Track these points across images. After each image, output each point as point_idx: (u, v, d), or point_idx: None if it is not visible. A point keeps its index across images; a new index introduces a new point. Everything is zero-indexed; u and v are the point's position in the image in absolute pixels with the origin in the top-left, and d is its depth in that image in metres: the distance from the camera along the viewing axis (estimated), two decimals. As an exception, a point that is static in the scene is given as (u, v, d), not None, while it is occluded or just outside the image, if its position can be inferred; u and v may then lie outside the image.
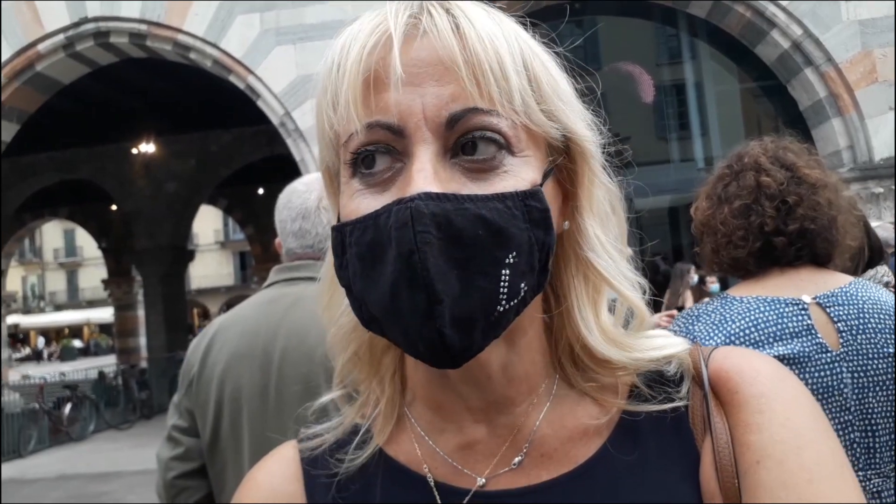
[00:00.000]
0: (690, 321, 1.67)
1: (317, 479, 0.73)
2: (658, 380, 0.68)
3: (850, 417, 1.54)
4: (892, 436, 1.55)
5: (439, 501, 0.67)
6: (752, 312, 1.60)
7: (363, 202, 0.61)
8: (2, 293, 16.56)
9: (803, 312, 1.59)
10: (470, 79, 0.58)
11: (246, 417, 1.87)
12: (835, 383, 1.54)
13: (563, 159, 0.66)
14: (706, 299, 1.81)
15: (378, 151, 0.60)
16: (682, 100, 8.80)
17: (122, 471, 10.53)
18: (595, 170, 0.67)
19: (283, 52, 7.74)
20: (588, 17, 8.63)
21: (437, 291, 0.55)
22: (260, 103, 7.89)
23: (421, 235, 0.55)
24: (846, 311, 1.60)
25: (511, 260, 0.58)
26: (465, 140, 0.59)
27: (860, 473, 1.54)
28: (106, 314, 35.85)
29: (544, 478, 0.66)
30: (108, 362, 21.86)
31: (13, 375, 18.25)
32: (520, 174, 0.60)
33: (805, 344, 1.55)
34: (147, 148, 15.70)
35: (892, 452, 1.55)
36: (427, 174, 0.57)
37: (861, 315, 1.59)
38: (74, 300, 49.26)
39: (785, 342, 1.56)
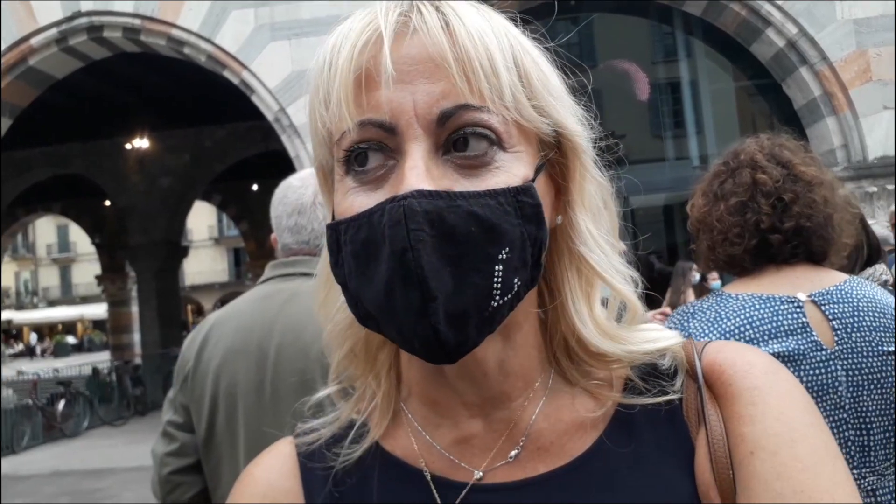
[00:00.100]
0: (686, 318, 1.67)
1: (314, 473, 0.73)
2: (652, 373, 0.69)
3: (845, 415, 1.55)
4: (887, 434, 1.56)
5: (436, 495, 0.67)
6: (748, 310, 1.60)
7: (357, 200, 0.61)
8: (-6, 289, 16.49)
9: (798, 310, 1.59)
10: (460, 76, 0.59)
11: (241, 413, 1.87)
12: (829, 381, 1.55)
13: (554, 154, 0.66)
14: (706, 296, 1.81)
15: (370, 149, 0.61)
16: (678, 98, 8.82)
17: (116, 467, 10.51)
18: (586, 165, 0.67)
19: (278, 47, 7.72)
20: (584, 15, 8.63)
21: (430, 289, 0.56)
22: (254, 99, 7.88)
23: (414, 233, 0.56)
24: (841, 309, 1.60)
25: (504, 256, 0.59)
26: (457, 136, 0.60)
27: (855, 472, 1.54)
28: (100, 310, 35.77)
29: (541, 470, 0.66)
30: (102, 358, 21.81)
31: (7, 371, 18.21)
32: (511, 170, 0.61)
33: (800, 342, 1.56)
34: (141, 143, 15.65)
35: (887, 451, 1.56)
36: (419, 172, 0.58)
37: (856, 313, 1.60)
38: (68, 296, 49.11)
39: (780, 340, 1.56)
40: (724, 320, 1.60)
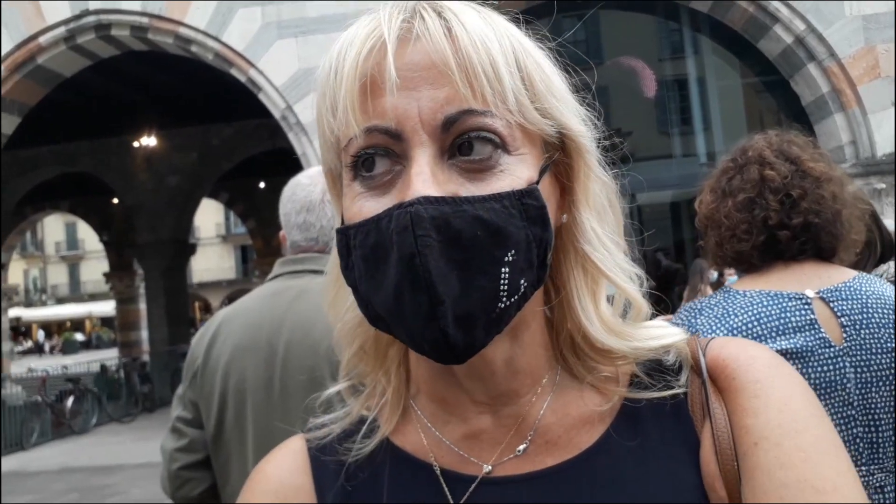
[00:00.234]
0: (693, 315, 1.67)
1: (325, 469, 0.74)
2: (657, 368, 0.70)
3: (853, 412, 1.54)
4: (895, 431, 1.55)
5: (446, 489, 0.68)
6: (755, 306, 1.60)
7: (365, 205, 0.62)
8: (3, 286, 16.57)
9: (806, 307, 1.59)
10: (463, 81, 0.60)
11: (250, 410, 1.88)
12: (838, 378, 1.54)
13: (558, 155, 0.67)
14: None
15: (377, 154, 0.62)
16: (685, 95, 8.79)
17: (124, 464, 10.56)
18: (590, 164, 0.68)
19: (285, 45, 7.72)
20: (589, 11, 8.60)
21: (438, 293, 0.57)
22: (261, 97, 7.89)
23: (421, 239, 0.57)
24: (850, 306, 1.59)
25: (510, 258, 0.60)
26: (461, 141, 0.61)
27: (863, 469, 1.54)
28: (108, 307, 35.91)
29: (549, 464, 0.67)
30: (110, 355, 21.89)
31: (17, 368, 18.31)
32: (516, 172, 0.62)
33: (808, 338, 1.55)
34: (148, 141, 15.70)
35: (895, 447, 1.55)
36: (425, 177, 0.59)
37: (865, 310, 1.59)
38: (76, 293, 49.32)
39: (788, 336, 1.56)
40: (732, 317, 1.60)
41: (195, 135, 16.23)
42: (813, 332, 1.56)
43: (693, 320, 1.65)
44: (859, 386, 1.55)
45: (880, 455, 1.54)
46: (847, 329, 1.57)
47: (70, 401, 14.01)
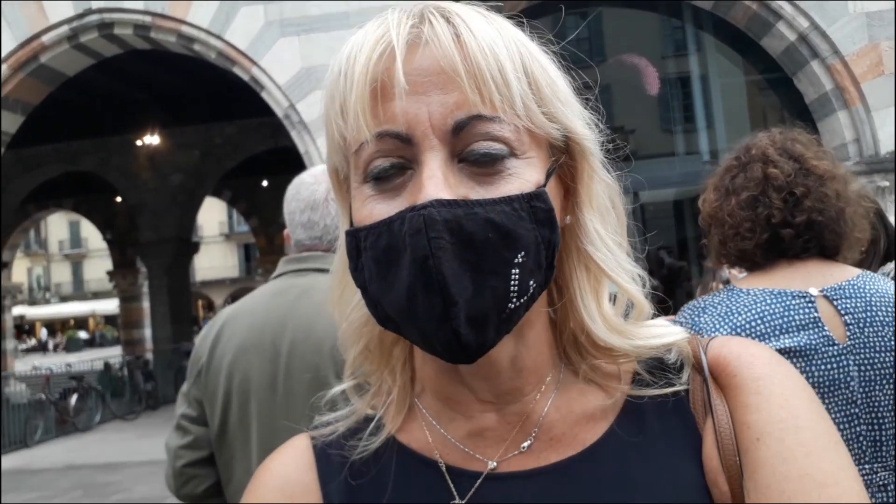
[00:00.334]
0: (697, 313, 1.67)
1: (330, 466, 0.74)
2: (658, 366, 0.71)
3: (857, 410, 1.54)
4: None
5: (451, 485, 0.69)
6: (759, 304, 1.60)
7: (376, 208, 0.63)
8: (7, 284, 16.60)
9: (810, 305, 1.59)
10: (472, 87, 0.60)
11: (254, 408, 1.88)
12: (841, 376, 1.54)
13: (563, 157, 0.68)
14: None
15: (392, 158, 0.63)
16: (688, 92, 8.77)
17: (128, 461, 10.59)
18: (594, 166, 0.69)
19: (288, 43, 7.72)
20: (592, 9, 8.59)
21: (451, 294, 0.58)
22: (264, 95, 7.89)
23: (434, 241, 0.58)
24: (853, 304, 1.59)
25: (520, 259, 0.61)
26: (471, 151, 0.62)
27: (867, 467, 1.54)
28: (111, 306, 35.99)
29: (553, 460, 0.68)
30: (114, 353, 21.96)
31: (22, 366, 18.35)
32: (524, 176, 0.63)
33: (812, 337, 1.55)
34: (151, 140, 15.72)
35: (899, 445, 1.55)
36: (437, 181, 0.60)
37: (868, 308, 1.59)
38: (80, 291, 49.42)
39: (791, 335, 1.56)
40: (736, 315, 1.60)
41: (198, 133, 16.25)
42: (816, 330, 1.56)
43: (697, 318, 1.65)
44: (863, 384, 1.55)
45: (883, 453, 1.54)
46: (851, 327, 1.57)
47: (74, 398, 14.06)
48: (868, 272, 1.70)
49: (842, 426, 1.53)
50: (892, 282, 1.70)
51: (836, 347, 1.55)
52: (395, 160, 0.63)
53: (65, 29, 8.21)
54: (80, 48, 8.50)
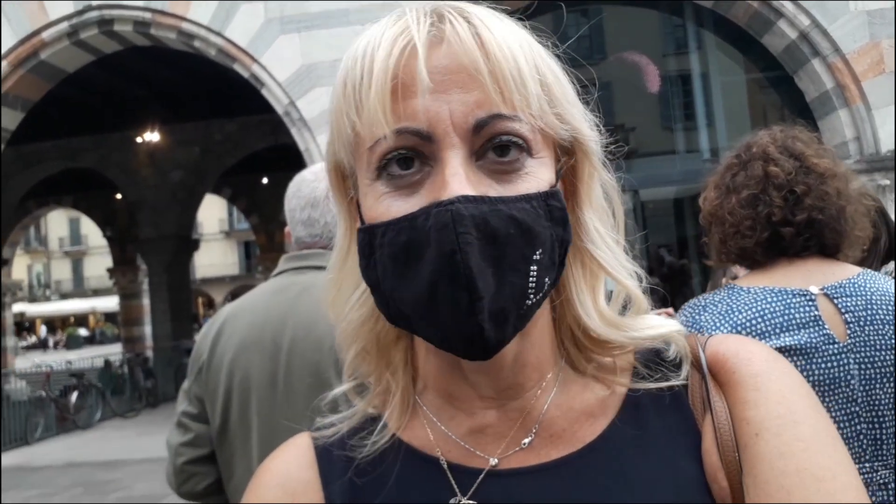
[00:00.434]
0: (697, 311, 1.67)
1: (331, 464, 0.74)
2: (654, 360, 0.72)
3: (857, 409, 1.54)
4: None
5: (453, 481, 0.69)
6: (759, 303, 1.60)
7: (394, 204, 0.63)
8: (7, 281, 16.61)
9: (811, 303, 1.59)
10: (494, 86, 0.61)
11: (255, 406, 1.89)
12: (842, 374, 1.54)
13: (573, 159, 0.70)
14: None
15: (408, 156, 0.63)
16: (688, 90, 8.75)
17: (128, 458, 10.60)
18: (595, 166, 0.71)
19: (288, 40, 7.71)
20: (593, 7, 8.58)
21: (478, 288, 0.59)
22: (264, 92, 7.88)
23: (462, 237, 0.58)
24: (854, 303, 1.59)
25: (538, 256, 0.62)
26: (494, 144, 0.63)
27: (867, 465, 1.54)
28: (111, 303, 35.97)
29: (553, 456, 0.68)
30: (114, 351, 21.97)
31: (23, 363, 18.36)
32: (538, 175, 0.64)
33: (812, 335, 1.55)
34: (151, 137, 15.71)
35: (899, 443, 1.55)
36: (461, 178, 0.61)
37: (869, 306, 1.59)
38: (80, 289, 49.44)
39: (792, 333, 1.56)
40: (736, 313, 1.60)
41: (198, 130, 16.24)
42: (817, 328, 1.56)
43: (697, 316, 1.65)
44: (863, 382, 1.55)
45: (884, 452, 1.54)
46: (851, 325, 1.57)
47: (74, 396, 14.06)
48: (868, 271, 1.70)
49: (842, 424, 1.53)
50: (893, 280, 1.70)
51: (836, 346, 1.55)
52: (414, 156, 0.63)
53: (65, 25, 8.20)
54: (80, 45, 8.49)
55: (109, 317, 46.30)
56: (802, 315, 1.57)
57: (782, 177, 1.66)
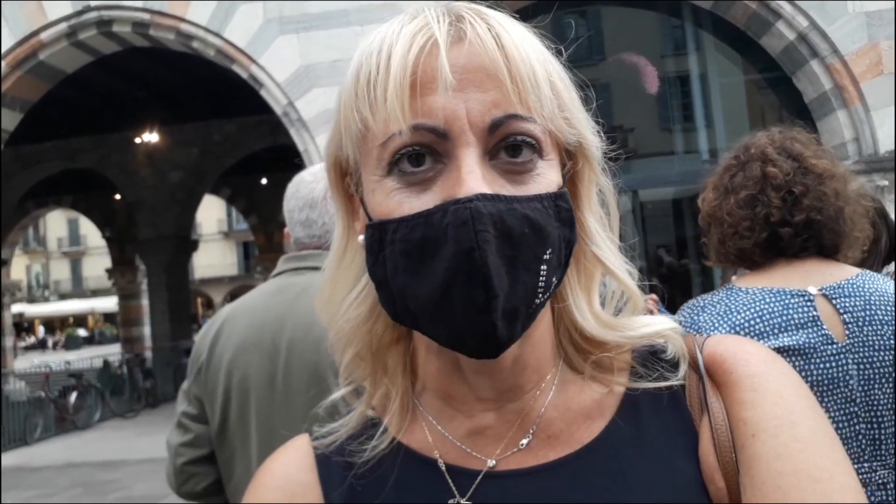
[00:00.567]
0: (696, 312, 1.67)
1: (331, 467, 0.75)
2: (650, 358, 0.72)
3: (856, 409, 1.54)
4: (897, 427, 1.55)
5: (451, 483, 0.69)
6: (758, 303, 1.60)
7: (405, 201, 0.63)
8: (6, 282, 16.59)
9: (809, 304, 1.59)
10: (512, 87, 0.62)
11: (254, 406, 1.89)
12: (840, 375, 1.54)
13: (580, 163, 0.71)
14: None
15: (423, 152, 0.63)
16: (687, 91, 8.75)
17: (127, 459, 10.59)
18: (596, 170, 0.72)
19: (287, 41, 7.71)
20: (592, 8, 8.58)
21: (493, 286, 0.59)
22: (263, 93, 7.88)
23: (481, 234, 0.59)
24: (852, 303, 1.59)
25: (548, 256, 0.63)
26: (507, 143, 0.63)
27: (865, 465, 1.54)
28: (110, 303, 35.94)
29: (551, 458, 0.69)
30: (113, 351, 21.94)
31: (23, 363, 18.34)
32: (548, 176, 0.65)
33: (810, 335, 1.55)
34: (150, 137, 15.71)
35: (897, 444, 1.55)
36: (477, 176, 0.61)
37: (867, 307, 1.59)
38: (79, 289, 49.38)
39: (790, 333, 1.56)
40: (735, 314, 1.60)
41: (197, 131, 16.23)
42: (815, 328, 1.56)
43: (696, 317, 1.65)
44: (862, 383, 1.55)
45: (882, 452, 1.55)
46: (850, 326, 1.57)
47: (73, 396, 14.05)
48: (867, 271, 1.70)
49: (841, 425, 1.53)
50: (893, 281, 1.70)
51: (834, 346, 1.55)
52: (427, 153, 0.63)
53: (63, 26, 8.20)
54: (79, 45, 8.49)
55: (108, 317, 46.26)
56: (801, 315, 1.58)
57: (780, 177, 1.67)
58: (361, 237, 0.68)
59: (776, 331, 1.56)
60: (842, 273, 1.66)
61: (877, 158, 6.92)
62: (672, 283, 8.50)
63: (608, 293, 0.74)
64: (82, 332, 46.20)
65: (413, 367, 0.76)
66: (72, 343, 41.89)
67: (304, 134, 7.62)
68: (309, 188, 2.00)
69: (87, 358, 18.91)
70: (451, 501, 0.68)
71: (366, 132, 0.65)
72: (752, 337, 1.54)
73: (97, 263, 41.57)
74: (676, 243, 9.28)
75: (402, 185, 0.63)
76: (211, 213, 40.67)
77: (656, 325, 0.73)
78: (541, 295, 0.63)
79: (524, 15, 0.69)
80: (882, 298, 1.60)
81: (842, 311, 1.59)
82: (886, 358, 1.56)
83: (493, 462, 0.69)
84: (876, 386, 1.55)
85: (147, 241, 17.05)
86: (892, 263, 2.39)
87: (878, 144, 6.95)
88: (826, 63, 7.17)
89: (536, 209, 0.62)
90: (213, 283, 43.58)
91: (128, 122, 15.18)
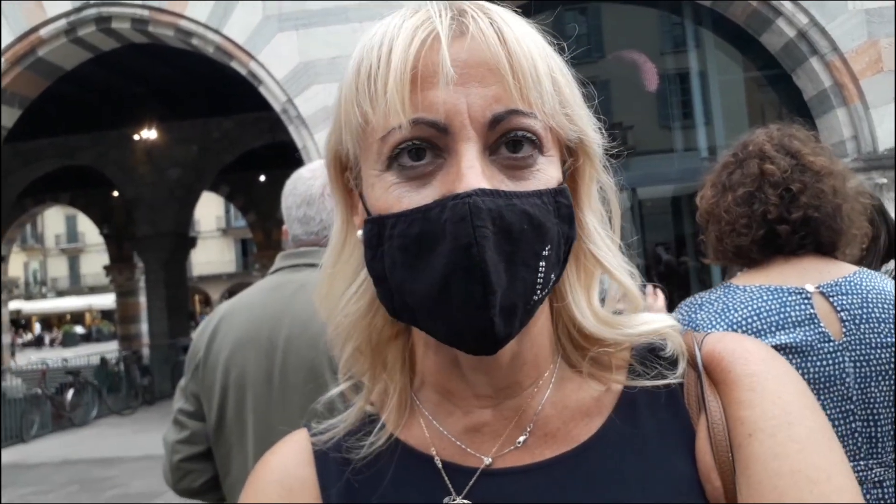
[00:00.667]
0: (694, 310, 1.67)
1: (328, 462, 0.74)
2: (649, 356, 0.72)
3: (852, 407, 1.54)
4: (894, 426, 1.55)
5: (447, 480, 0.69)
6: (755, 301, 1.60)
7: (404, 196, 0.63)
8: (3, 279, 16.58)
9: (806, 301, 1.59)
10: (513, 82, 0.62)
11: (250, 403, 1.89)
12: (837, 373, 1.54)
13: (581, 160, 0.70)
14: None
15: (423, 146, 0.63)
16: (686, 89, 8.75)
17: (124, 456, 10.60)
18: (597, 168, 0.72)
19: (286, 38, 7.70)
20: (592, 5, 8.58)
21: (492, 283, 0.59)
22: (262, 90, 7.87)
23: (479, 230, 0.58)
24: (850, 301, 1.59)
25: (546, 252, 0.63)
26: (507, 139, 0.63)
27: (861, 463, 1.54)
28: (108, 300, 35.96)
29: (548, 456, 0.68)
30: (110, 348, 21.94)
31: (20, 360, 18.33)
32: (548, 172, 0.65)
33: (807, 333, 1.55)
34: (149, 134, 15.69)
35: (895, 442, 1.55)
36: (477, 171, 0.61)
37: (865, 305, 1.59)
38: (76, 286, 49.35)
39: (787, 331, 1.56)
40: (732, 311, 1.60)
41: (195, 128, 16.22)
42: (812, 326, 1.56)
43: (693, 315, 1.65)
44: (858, 380, 1.55)
45: (879, 450, 1.55)
46: (847, 324, 1.57)
47: (70, 393, 14.05)
48: (865, 269, 1.70)
49: (837, 422, 1.53)
50: (890, 279, 1.70)
51: (831, 344, 1.55)
52: (427, 148, 0.63)
53: (62, 23, 8.18)
54: (78, 42, 8.47)
55: (106, 314, 46.25)
56: (798, 313, 1.57)
57: (778, 175, 1.66)
58: (360, 232, 0.68)
59: (773, 328, 1.56)
60: (839, 271, 1.66)
61: (876, 156, 6.93)
62: (670, 281, 8.50)
63: (610, 293, 0.74)
64: (79, 330, 46.21)
65: (412, 362, 0.75)
66: (69, 340, 41.91)
67: (303, 131, 7.61)
68: (306, 185, 1.99)
69: (84, 355, 18.93)
70: (446, 499, 0.68)
71: (366, 126, 0.65)
72: (749, 335, 1.53)
73: (95, 260, 41.57)
74: (675, 241, 9.29)
75: (402, 180, 0.63)
76: (209, 210, 40.66)
77: (655, 324, 0.72)
78: (539, 291, 0.63)
79: (526, 12, 0.68)
80: (879, 296, 1.60)
81: (839, 308, 1.59)
82: (883, 356, 1.56)
83: (490, 460, 0.69)
84: (872, 384, 1.55)
85: (145, 238, 17.04)
86: (892, 261, 2.39)
87: (877, 142, 6.96)
88: (826, 60, 7.17)
89: (536, 205, 0.62)
90: (212, 280, 43.57)
91: (126, 119, 15.16)
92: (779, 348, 1.52)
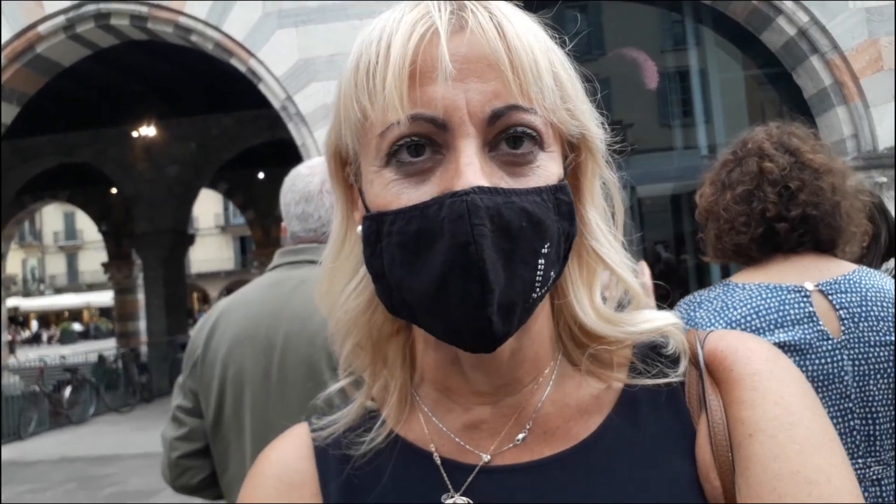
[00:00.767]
0: (693, 308, 1.67)
1: (328, 457, 0.74)
2: (650, 354, 0.71)
3: (851, 405, 1.54)
4: (893, 424, 1.55)
5: (446, 477, 0.69)
6: (754, 299, 1.60)
7: (403, 192, 0.62)
8: (1, 276, 16.58)
9: (805, 299, 1.58)
10: (513, 77, 0.61)
11: (248, 400, 1.89)
12: (835, 371, 1.54)
13: (583, 155, 0.70)
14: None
15: (422, 143, 0.62)
16: (687, 87, 8.76)
17: (122, 454, 10.60)
18: (600, 164, 0.71)
19: (285, 35, 7.70)
20: (592, 3, 8.57)
21: (489, 281, 0.58)
22: (261, 87, 7.87)
23: (477, 228, 0.58)
24: (848, 299, 1.59)
25: (546, 250, 0.62)
26: (507, 135, 0.62)
27: (860, 461, 1.54)
28: (106, 298, 35.95)
29: (546, 453, 0.68)
30: (108, 346, 21.93)
31: (22, 356, 18.34)
32: (549, 168, 0.64)
33: (806, 331, 1.55)
34: (148, 131, 15.69)
35: (893, 440, 1.55)
36: (475, 168, 0.60)
37: (863, 303, 1.59)
38: (74, 283, 49.34)
39: (786, 329, 1.56)
40: (731, 310, 1.60)
41: (194, 125, 16.22)
42: (811, 324, 1.56)
43: (692, 313, 1.65)
44: (857, 379, 1.55)
45: (877, 448, 1.55)
46: (846, 322, 1.57)
47: (68, 391, 14.05)
48: (864, 267, 1.69)
49: (835, 420, 1.53)
50: (890, 278, 1.69)
51: (830, 342, 1.55)
52: (426, 144, 0.62)
53: (61, 19, 8.17)
54: (77, 38, 8.46)
55: (104, 311, 46.25)
56: (797, 311, 1.57)
57: (776, 172, 1.66)
58: (360, 228, 0.68)
59: (772, 327, 1.56)
60: (838, 269, 1.66)
61: (876, 155, 6.93)
62: (670, 279, 8.51)
63: (613, 288, 0.73)
64: (77, 327, 46.21)
65: (412, 358, 0.75)
66: (67, 337, 41.91)
67: (303, 128, 7.61)
68: (305, 182, 1.99)
69: (82, 352, 18.93)
70: (444, 496, 0.68)
71: (365, 122, 0.64)
72: (748, 333, 1.53)
73: (93, 258, 41.54)
74: (675, 239, 9.30)
75: (401, 176, 0.63)
76: (208, 207, 40.68)
77: (658, 321, 0.72)
78: (538, 289, 0.62)
79: (527, 8, 0.67)
80: (878, 294, 1.60)
81: (838, 306, 1.58)
82: (882, 354, 1.56)
83: (488, 457, 0.69)
84: (871, 382, 1.55)
85: (144, 236, 17.04)
86: (892, 259, 2.38)
87: (877, 141, 6.96)
88: (826, 59, 7.17)
89: (535, 202, 0.61)
90: (210, 277, 43.59)
91: (125, 116, 15.16)
92: (777, 346, 1.51)
